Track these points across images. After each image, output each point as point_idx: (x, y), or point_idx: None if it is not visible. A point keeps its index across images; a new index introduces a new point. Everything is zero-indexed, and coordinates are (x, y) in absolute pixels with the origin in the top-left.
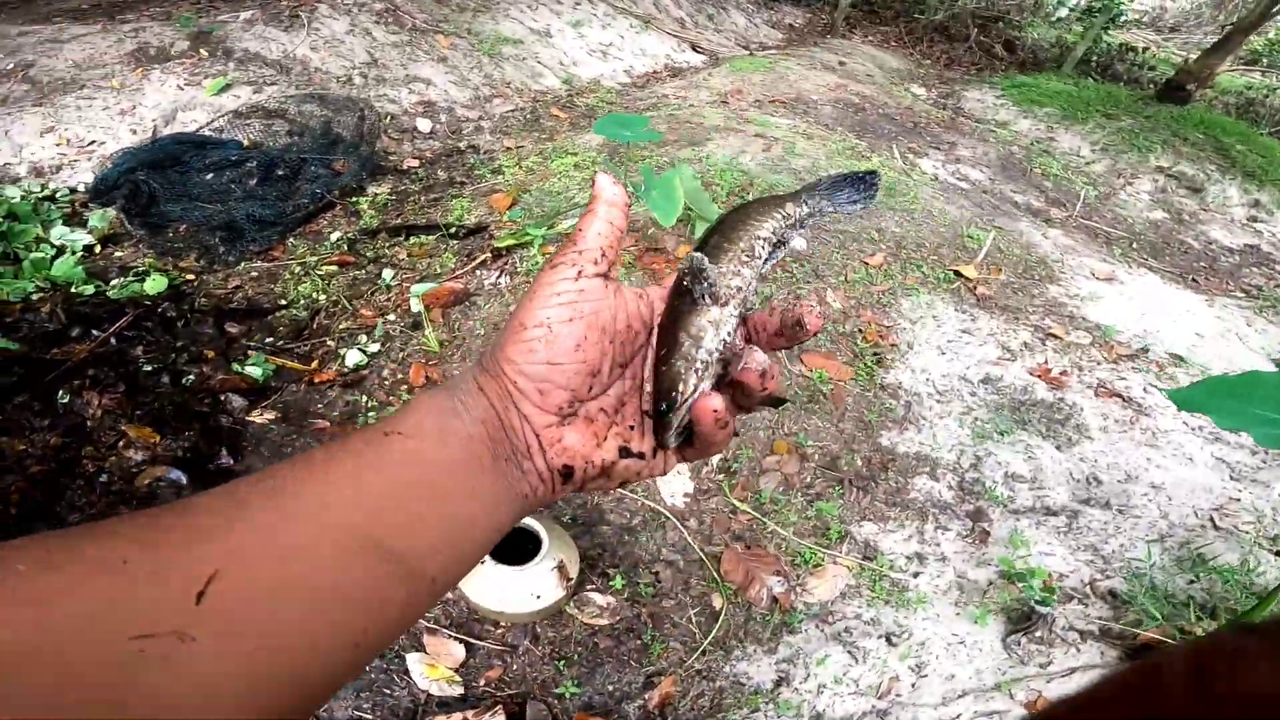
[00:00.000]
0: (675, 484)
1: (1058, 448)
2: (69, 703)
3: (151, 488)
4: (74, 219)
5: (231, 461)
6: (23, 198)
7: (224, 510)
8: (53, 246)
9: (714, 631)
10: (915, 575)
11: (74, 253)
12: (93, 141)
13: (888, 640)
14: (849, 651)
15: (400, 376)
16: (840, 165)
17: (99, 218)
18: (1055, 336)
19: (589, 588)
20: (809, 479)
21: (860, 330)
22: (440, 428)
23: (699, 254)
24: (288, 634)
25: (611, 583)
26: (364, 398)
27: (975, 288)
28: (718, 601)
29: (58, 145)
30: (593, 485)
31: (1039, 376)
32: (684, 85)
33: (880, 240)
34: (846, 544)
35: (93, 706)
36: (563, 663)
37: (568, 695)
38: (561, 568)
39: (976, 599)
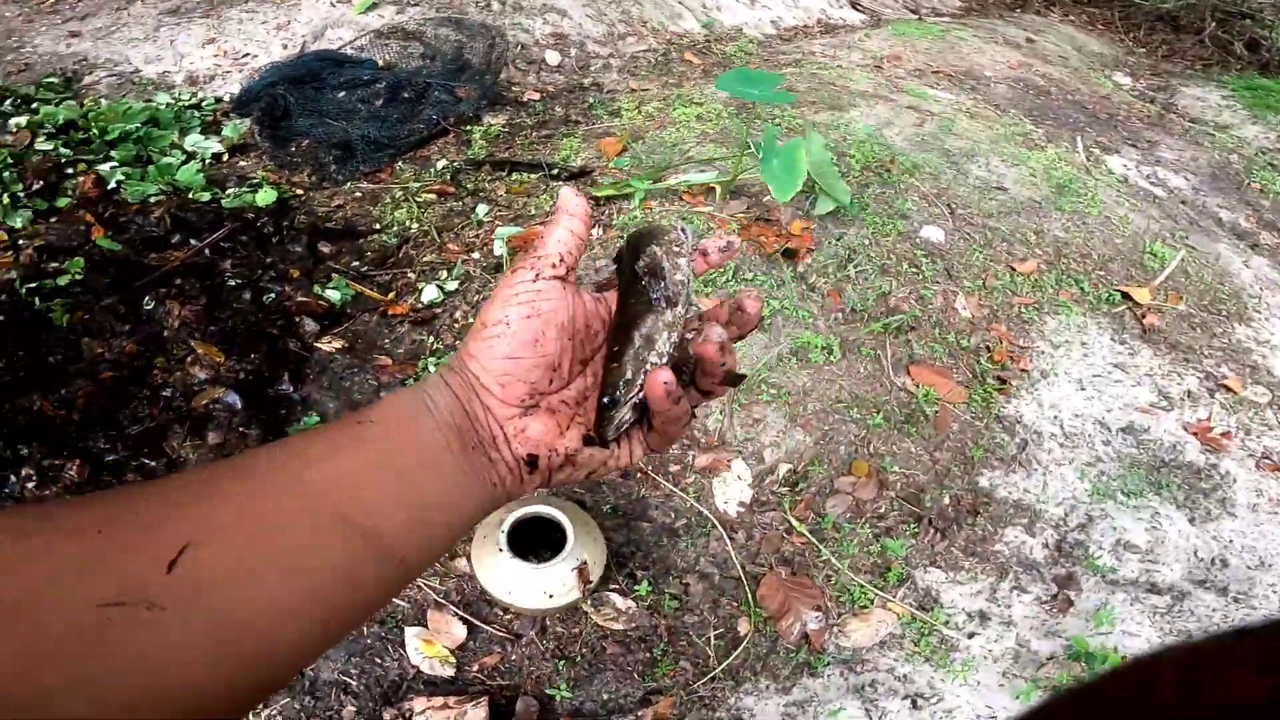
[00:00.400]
0: (732, 490)
1: (1191, 520)
2: (37, 666)
3: (208, 409)
4: (211, 128)
5: (291, 389)
6: (167, 105)
7: (199, 487)
8: (184, 153)
9: (730, 658)
10: (970, 635)
11: (202, 160)
12: (247, 54)
13: (912, 702)
14: (866, 708)
15: (470, 320)
16: (1005, 151)
17: (232, 128)
18: (1228, 389)
19: (611, 587)
20: (883, 509)
21: (988, 347)
22: (412, 418)
23: (658, 250)
24: (258, 606)
25: (637, 586)
26: (431, 338)
27: (1144, 315)
28: (744, 627)
29: (215, 56)
30: (560, 476)
31: (1194, 434)
32: (835, 44)
33: (1037, 243)
34: (904, 588)
35: (61, 670)
36: (563, 662)
37: (559, 698)
38: (582, 569)
39: (1029, 672)
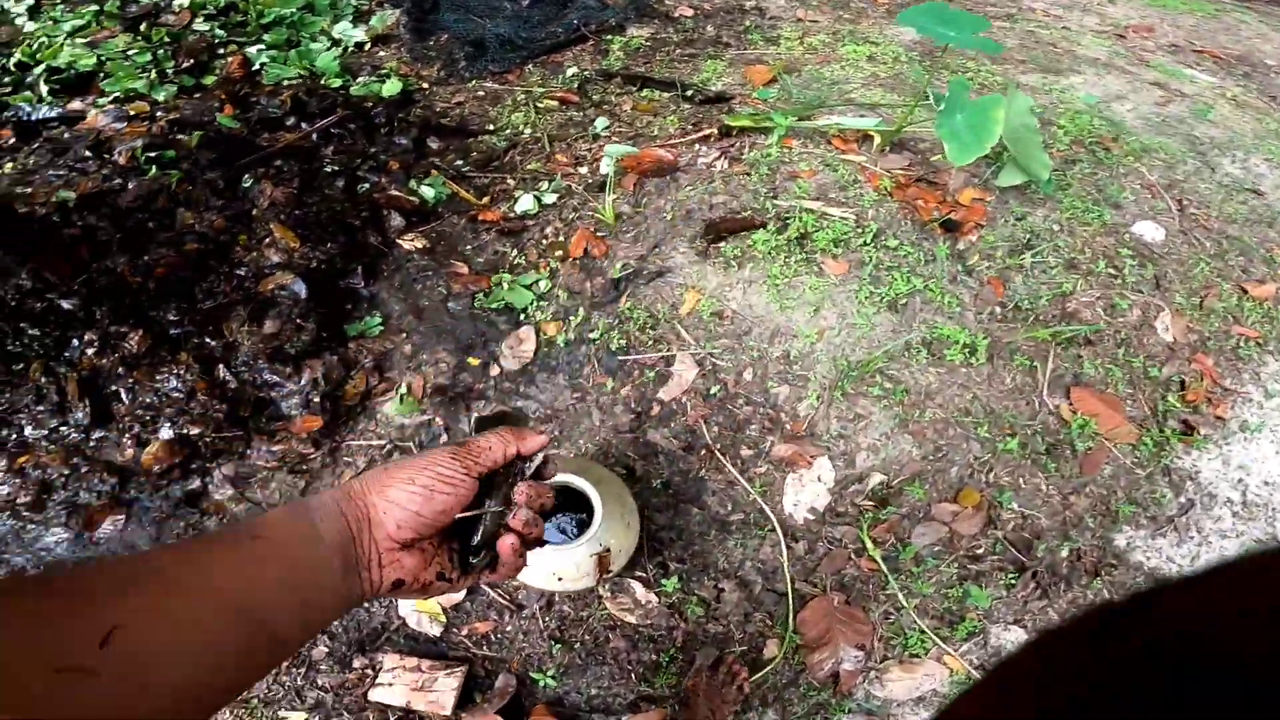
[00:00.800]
0: (807, 492)
1: None
2: (14, 713)
3: (273, 294)
4: (362, 17)
5: (362, 284)
6: None
7: (116, 579)
8: (330, 40)
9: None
10: None
11: (344, 47)
12: None
13: None
14: None
15: (560, 239)
16: (1274, 149)
17: (379, 18)
18: None
19: (637, 573)
20: (981, 550)
21: (1182, 381)
22: (306, 537)
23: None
24: (174, 677)
25: (665, 580)
26: (514, 251)
27: None
28: (771, 650)
29: None
30: (410, 595)
31: None
32: (1065, 3)
33: None
34: (972, 643)
35: (29, 717)
36: (560, 645)
37: (542, 683)
38: (603, 557)
39: None
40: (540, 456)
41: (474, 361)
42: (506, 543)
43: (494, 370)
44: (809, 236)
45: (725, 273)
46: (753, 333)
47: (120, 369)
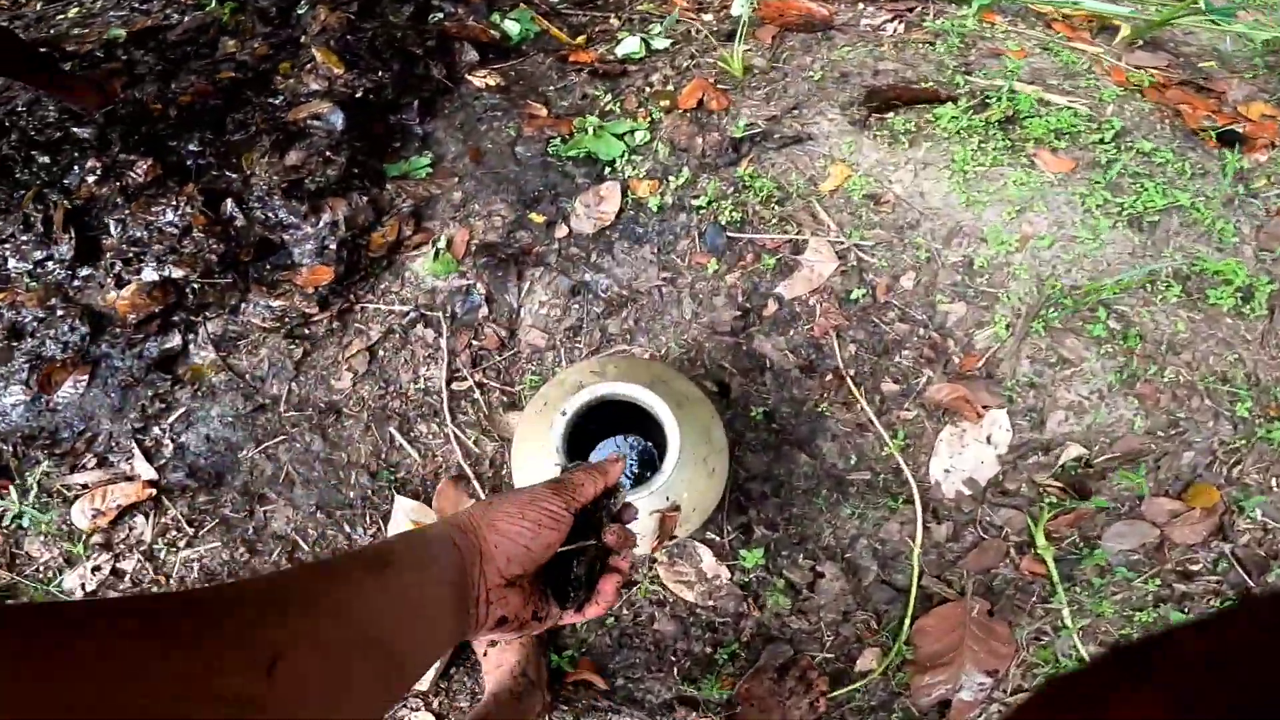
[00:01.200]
0: (968, 455)
1: None
2: None
3: (304, 124)
4: None
5: (416, 120)
6: None
7: (271, 602)
8: None
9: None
10: None
11: None
12: None
13: None
14: None
15: (668, 88)
16: None
17: None
18: None
19: (709, 534)
20: (1198, 566)
21: None
22: (425, 568)
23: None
24: (320, 712)
25: (745, 551)
26: (608, 96)
27: None
28: (867, 661)
29: None
30: (508, 633)
31: None
32: None
33: None
34: None
35: None
36: None
37: (556, 664)
38: (668, 518)
39: None
40: (623, 496)
41: (537, 218)
42: (612, 584)
43: (561, 231)
44: (1017, 121)
45: (890, 149)
46: (921, 227)
47: (119, 199)
